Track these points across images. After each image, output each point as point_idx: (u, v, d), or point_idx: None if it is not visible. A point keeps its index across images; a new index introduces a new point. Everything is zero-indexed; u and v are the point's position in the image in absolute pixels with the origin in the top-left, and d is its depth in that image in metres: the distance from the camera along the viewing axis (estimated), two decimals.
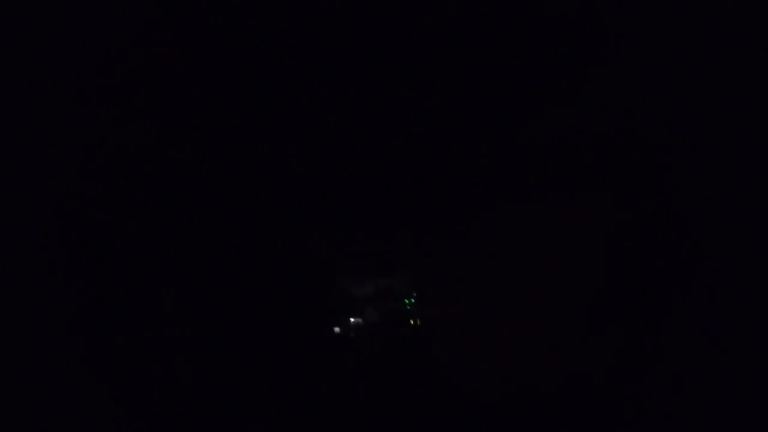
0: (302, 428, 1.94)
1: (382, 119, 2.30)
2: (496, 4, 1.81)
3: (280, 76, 2.08)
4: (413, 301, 2.56)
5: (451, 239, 2.48)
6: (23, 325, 1.77)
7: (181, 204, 2.08)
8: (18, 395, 1.72)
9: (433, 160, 2.36)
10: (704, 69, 1.74)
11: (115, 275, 1.98)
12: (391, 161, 2.33)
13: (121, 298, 1.98)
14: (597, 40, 1.93)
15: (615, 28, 1.89)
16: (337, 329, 2.36)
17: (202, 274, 2.02)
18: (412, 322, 2.59)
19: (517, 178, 2.23)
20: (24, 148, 1.80)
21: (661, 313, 1.83)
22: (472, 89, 2.17)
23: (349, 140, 2.33)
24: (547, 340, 2.09)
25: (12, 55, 1.73)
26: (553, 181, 2.14)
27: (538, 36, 1.95)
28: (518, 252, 2.24)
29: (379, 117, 2.30)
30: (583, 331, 2.00)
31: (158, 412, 1.91)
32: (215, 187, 2.10)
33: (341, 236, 2.52)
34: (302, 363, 2.25)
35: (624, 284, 1.92)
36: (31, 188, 1.82)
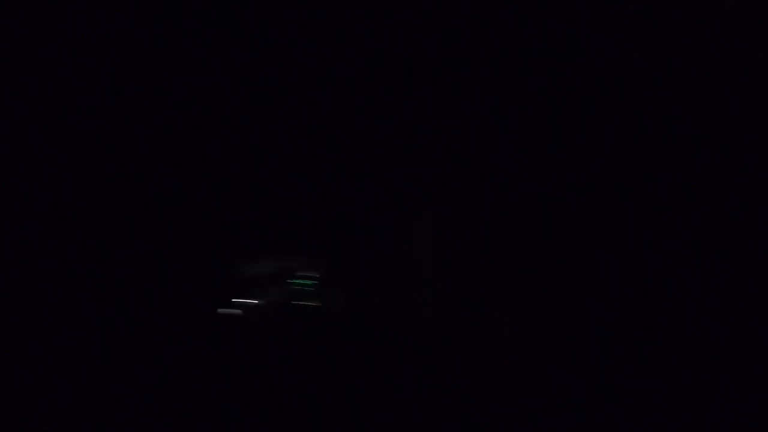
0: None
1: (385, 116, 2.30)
2: (496, 4, 1.81)
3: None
4: (310, 282, 2.60)
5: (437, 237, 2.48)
6: (23, 325, 1.77)
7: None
8: (18, 395, 1.72)
9: (429, 158, 2.36)
10: (704, 69, 1.74)
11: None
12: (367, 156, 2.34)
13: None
14: (597, 40, 1.93)
15: (615, 28, 1.90)
16: (233, 310, 2.38)
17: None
18: (308, 304, 2.63)
19: (515, 178, 2.23)
20: (24, 148, 1.80)
21: (661, 313, 1.83)
22: (470, 88, 2.17)
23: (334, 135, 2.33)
24: (545, 339, 2.09)
25: (12, 55, 1.73)
26: (552, 180, 2.14)
27: (538, 35, 1.96)
28: (516, 251, 2.24)
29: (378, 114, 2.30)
30: (582, 330, 2.00)
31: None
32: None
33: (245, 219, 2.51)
34: (200, 346, 2.24)
35: (623, 284, 1.92)
36: (30, 188, 1.82)
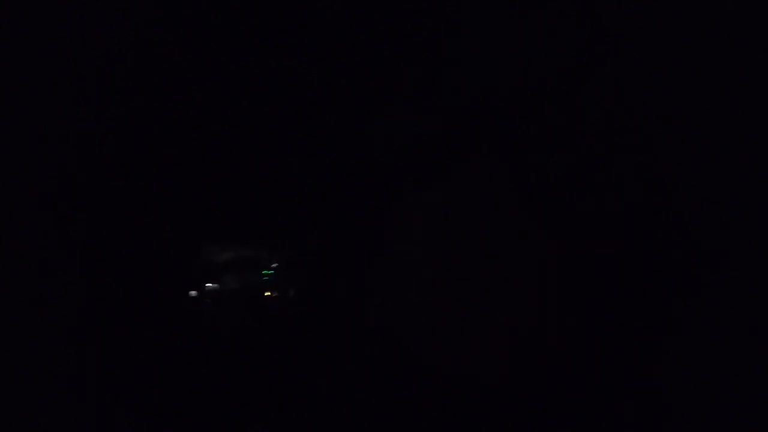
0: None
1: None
2: (497, 5, 1.81)
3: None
4: (272, 272, 2.63)
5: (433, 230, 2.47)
6: (23, 325, 1.77)
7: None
8: (18, 395, 1.72)
9: (428, 157, 2.36)
10: (704, 69, 1.74)
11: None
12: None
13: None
14: (597, 40, 1.93)
15: (615, 28, 1.89)
16: (193, 293, 2.39)
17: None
18: (269, 294, 2.67)
19: (515, 178, 2.23)
20: (24, 148, 1.80)
21: (661, 313, 1.83)
22: (471, 90, 2.16)
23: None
24: (546, 339, 2.09)
25: (12, 55, 1.73)
26: (552, 180, 2.14)
27: (537, 36, 1.95)
28: (518, 250, 2.24)
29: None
30: (582, 331, 2.00)
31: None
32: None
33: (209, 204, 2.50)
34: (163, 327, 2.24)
35: (624, 284, 1.92)
36: (30, 188, 1.82)
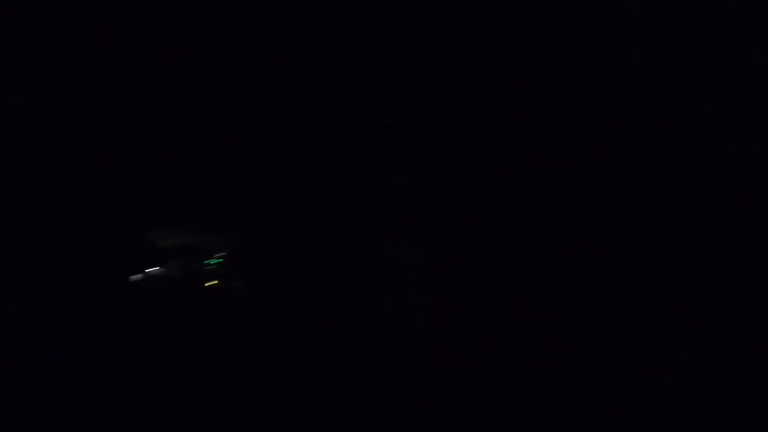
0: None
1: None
2: (497, 6, 1.81)
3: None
4: (217, 261, 2.56)
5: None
6: (22, 324, 1.77)
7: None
8: (17, 395, 1.72)
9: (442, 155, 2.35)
10: (704, 69, 1.74)
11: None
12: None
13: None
14: (597, 40, 1.93)
15: (615, 28, 1.89)
16: (135, 276, 2.33)
17: None
18: (212, 282, 2.60)
19: (515, 178, 2.23)
20: (23, 148, 1.80)
21: (661, 313, 1.83)
22: (471, 90, 2.17)
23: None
24: (548, 339, 2.09)
25: (12, 55, 1.73)
26: (553, 179, 2.14)
27: (537, 36, 1.95)
28: (516, 250, 2.23)
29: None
30: (582, 331, 2.00)
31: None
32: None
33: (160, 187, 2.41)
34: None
35: (624, 284, 1.92)
36: (30, 188, 1.82)
